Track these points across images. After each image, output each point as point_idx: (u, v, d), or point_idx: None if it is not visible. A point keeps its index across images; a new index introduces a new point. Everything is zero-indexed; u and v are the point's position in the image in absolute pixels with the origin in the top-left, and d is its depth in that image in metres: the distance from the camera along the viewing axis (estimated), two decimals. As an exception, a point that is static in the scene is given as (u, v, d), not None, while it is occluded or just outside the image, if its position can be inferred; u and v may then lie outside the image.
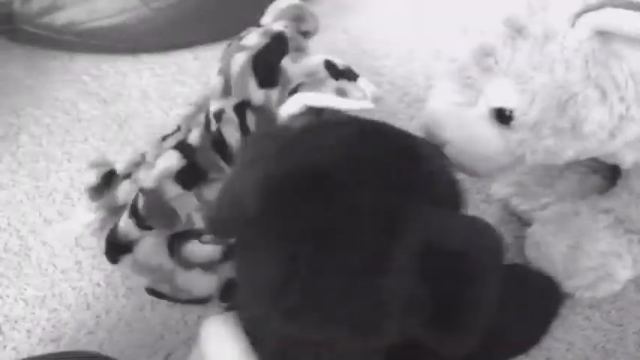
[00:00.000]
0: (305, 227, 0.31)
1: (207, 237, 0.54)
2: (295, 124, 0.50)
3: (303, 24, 0.55)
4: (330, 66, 0.48)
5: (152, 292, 0.54)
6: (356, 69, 0.72)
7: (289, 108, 0.48)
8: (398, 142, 0.35)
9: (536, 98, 0.42)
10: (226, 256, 0.53)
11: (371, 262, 0.30)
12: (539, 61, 0.42)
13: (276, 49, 0.49)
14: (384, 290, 0.30)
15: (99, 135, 0.70)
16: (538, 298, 0.50)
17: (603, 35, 0.41)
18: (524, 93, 0.43)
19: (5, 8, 0.74)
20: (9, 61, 0.78)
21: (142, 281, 0.54)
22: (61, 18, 0.73)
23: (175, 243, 0.53)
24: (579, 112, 0.42)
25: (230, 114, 0.50)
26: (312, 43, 0.56)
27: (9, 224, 0.62)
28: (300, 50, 0.50)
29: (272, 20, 0.55)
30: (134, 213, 0.53)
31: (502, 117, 0.44)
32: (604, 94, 0.42)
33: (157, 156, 0.55)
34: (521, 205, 0.56)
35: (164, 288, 0.53)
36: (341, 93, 0.47)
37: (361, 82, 0.48)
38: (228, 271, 0.52)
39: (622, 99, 0.42)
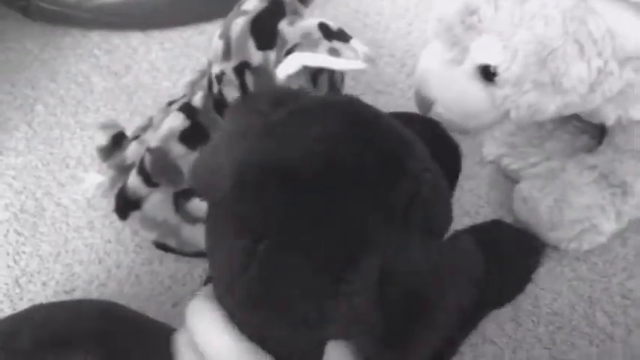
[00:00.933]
0: (267, 223, 0.29)
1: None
2: (293, 86, 0.52)
3: None
4: (324, 28, 0.51)
5: (159, 245, 0.57)
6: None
7: (286, 68, 0.51)
8: (386, 148, 0.31)
9: (517, 54, 0.44)
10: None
11: (326, 277, 0.28)
12: (520, 18, 0.44)
13: (273, 12, 0.52)
14: (332, 306, 0.29)
15: (110, 105, 0.73)
16: (518, 251, 0.52)
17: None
18: (506, 49, 0.45)
19: (21, -14, 0.77)
20: (25, 36, 0.81)
21: (150, 236, 0.57)
22: (74, -7, 0.76)
23: (180, 199, 0.56)
24: (559, 67, 0.44)
25: (230, 75, 0.53)
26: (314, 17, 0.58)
27: (25, 187, 0.66)
28: (297, 14, 0.53)
29: None
30: (142, 171, 0.56)
31: (487, 73, 0.46)
32: (582, 49, 0.44)
33: (163, 119, 0.58)
34: (512, 164, 0.59)
35: (171, 242, 0.56)
36: (334, 53, 0.50)
37: (353, 42, 0.51)
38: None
39: (600, 54, 0.44)
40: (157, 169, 0.55)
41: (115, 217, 0.59)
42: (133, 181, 0.56)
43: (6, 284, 0.58)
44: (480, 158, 0.63)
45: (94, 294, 0.58)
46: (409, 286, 0.29)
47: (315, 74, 0.54)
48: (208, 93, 0.56)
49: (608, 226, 0.53)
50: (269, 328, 0.31)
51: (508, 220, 0.59)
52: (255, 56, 0.52)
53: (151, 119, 0.63)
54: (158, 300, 0.57)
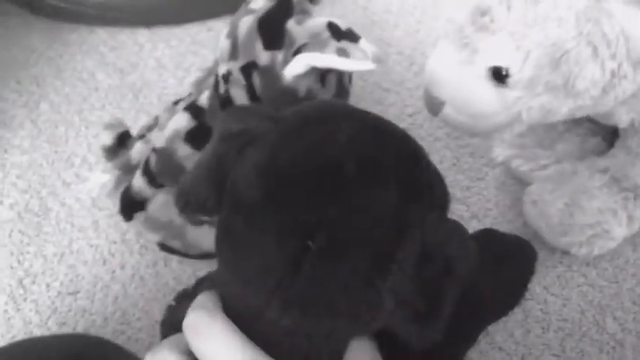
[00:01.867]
0: (315, 220, 0.30)
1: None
2: (301, 86, 0.52)
3: None
4: (332, 27, 0.50)
5: (164, 247, 0.57)
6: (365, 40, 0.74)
7: (293, 68, 0.50)
8: (402, 141, 0.33)
9: (530, 55, 0.44)
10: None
11: (377, 263, 0.30)
12: (533, 19, 0.43)
13: (281, 11, 0.51)
14: (383, 289, 0.30)
15: (115, 103, 0.73)
16: (513, 260, 0.52)
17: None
18: (518, 51, 0.44)
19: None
20: (31, 33, 0.81)
21: (155, 238, 0.57)
22: (80, -10, 0.76)
23: (186, 200, 0.56)
24: (572, 69, 0.43)
25: (237, 75, 0.52)
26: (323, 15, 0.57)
27: (29, 186, 0.65)
28: (305, 13, 0.52)
29: None
30: (147, 172, 0.55)
31: (498, 75, 0.45)
32: (595, 51, 0.43)
33: (169, 118, 0.58)
34: (522, 166, 0.58)
35: (175, 243, 0.56)
36: (343, 53, 0.49)
37: (362, 43, 0.50)
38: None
39: (613, 56, 0.43)
40: (163, 170, 0.55)
41: (119, 217, 0.58)
42: (138, 181, 0.55)
43: (10, 285, 0.58)
44: (488, 160, 0.62)
45: (98, 295, 0.57)
46: (443, 259, 0.31)
47: (323, 74, 0.53)
48: (215, 93, 0.55)
49: (620, 230, 0.52)
50: (311, 327, 0.32)
51: (517, 223, 0.58)
52: (263, 56, 0.51)
53: (156, 118, 0.62)
54: (162, 302, 0.56)
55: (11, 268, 0.59)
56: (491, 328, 0.51)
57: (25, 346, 0.45)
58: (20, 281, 0.58)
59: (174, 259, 0.58)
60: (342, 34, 0.50)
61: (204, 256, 0.56)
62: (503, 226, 0.58)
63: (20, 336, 0.55)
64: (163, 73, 0.75)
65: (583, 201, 0.51)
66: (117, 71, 0.76)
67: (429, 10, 0.77)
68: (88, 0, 0.76)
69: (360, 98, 0.69)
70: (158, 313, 0.56)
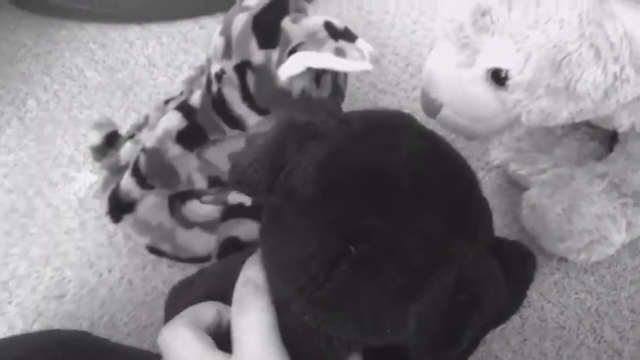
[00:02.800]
0: (362, 227, 0.30)
1: (207, 197, 0.55)
2: (295, 87, 0.50)
3: None
4: (329, 27, 0.49)
5: (153, 250, 0.55)
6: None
7: (288, 68, 0.48)
8: (460, 170, 0.34)
9: (531, 57, 0.42)
10: (225, 215, 0.54)
11: (412, 285, 0.30)
12: (535, 20, 0.42)
13: (276, 9, 0.50)
14: (410, 312, 0.30)
15: (105, 101, 0.71)
16: (513, 267, 0.51)
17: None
18: (519, 52, 0.43)
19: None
20: (19, 29, 0.79)
21: (144, 240, 0.55)
22: (70, -14, 0.74)
23: (176, 202, 0.54)
24: (573, 72, 0.42)
25: (231, 74, 0.51)
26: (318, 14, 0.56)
27: (16, 186, 0.64)
28: (301, 11, 0.51)
29: None
30: (136, 172, 0.54)
31: (498, 77, 0.44)
32: (598, 54, 0.42)
33: (160, 118, 0.56)
34: (520, 170, 0.57)
35: (164, 246, 0.54)
36: (340, 53, 0.47)
37: (360, 42, 0.49)
38: (226, 230, 0.53)
39: (616, 59, 0.42)
40: (152, 171, 0.53)
41: (107, 219, 0.56)
42: (127, 182, 0.54)
43: (-7, 287, 0.56)
44: (485, 163, 0.61)
45: (85, 299, 0.56)
46: (473, 297, 0.31)
47: (318, 75, 0.52)
48: (207, 92, 0.54)
49: (619, 237, 0.51)
50: (332, 330, 0.32)
51: (514, 228, 0.57)
52: (257, 55, 0.49)
53: (146, 117, 0.61)
54: (151, 306, 0.55)
55: (-5, 270, 0.58)
56: (488, 336, 0.50)
57: (21, 340, 0.44)
58: (5, 284, 0.57)
59: (164, 263, 0.57)
60: (339, 34, 0.49)
61: (194, 259, 0.55)
62: (500, 231, 0.57)
63: (4, 340, 0.54)
64: (154, 71, 0.74)
65: (582, 207, 0.50)
66: (107, 69, 0.74)
67: (426, 11, 0.76)
68: (78, -5, 0.75)
69: (355, 99, 0.68)
70: (146, 318, 0.54)
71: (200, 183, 0.54)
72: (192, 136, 0.53)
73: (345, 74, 0.57)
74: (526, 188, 0.55)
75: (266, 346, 0.31)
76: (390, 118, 0.35)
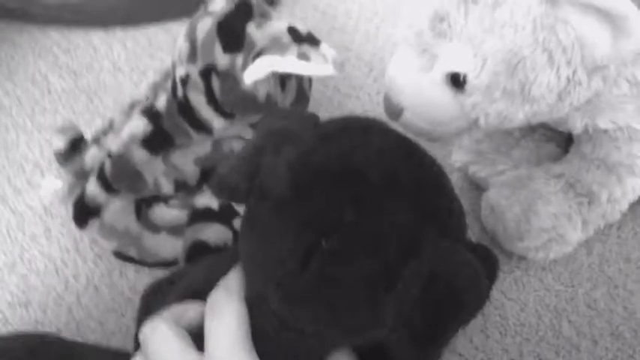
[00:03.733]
0: (334, 221, 0.31)
1: (174, 201, 0.56)
2: (260, 91, 0.51)
3: None
4: (293, 32, 0.50)
5: (119, 255, 0.55)
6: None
7: (253, 73, 0.49)
8: (429, 165, 0.35)
9: (487, 62, 0.44)
10: (192, 219, 0.54)
11: (384, 275, 0.31)
12: (490, 25, 0.43)
13: (241, 14, 0.50)
14: (385, 303, 0.31)
15: (69, 107, 0.71)
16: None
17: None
18: (476, 57, 0.44)
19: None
20: (-21, 34, 0.78)
21: (110, 246, 0.55)
22: (32, -9, 0.74)
23: (142, 207, 0.55)
24: (528, 75, 0.44)
25: (196, 79, 0.51)
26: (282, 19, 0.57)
27: (-22, 193, 0.63)
28: (265, 16, 0.52)
29: None
30: (101, 177, 0.54)
31: (456, 81, 0.46)
32: (551, 58, 0.43)
33: (125, 122, 0.56)
34: (479, 172, 0.58)
35: (131, 251, 0.55)
36: (303, 57, 0.48)
37: (323, 47, 0.50)
38: (193, 234, 0.53)
39: (568, 62, 0.43)
40: (118, 176, 0.53)
41: (73, 225, 0.56)
42: (92, 187, 0.54)
43: (-44, 296, 0.56)
44: (446, 165, 0.63)
45: (51, 305, 0.55)
46: (450, 289, 0.32)
47: (283, 79, 0.53)
48: (172, 96, 0.54)
49: (575, 235, 0.53)
50: (307, 325, 0.33)
51: (475, 228, 0.58)
52: (222, 59, 0.50)
53: (111, 122, 0.60)
54: (118, 312, 0.55)
55: (-42, 278, 0.57)
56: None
57: None
58: (-32, 292, 0.56)
59: (131, 268, 0.57)
60: (302, 39, 0.50)
61: (161, 263, 0.55)
62: (462, 231, 0.58)
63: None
64: (119, 75, 0.74)
65: (539, 206, 0.52)
66: (71, 73, 0.74)
67: (389, 16, 0.77)
68: (42, 0, 0.74)
69: (319, 103, 0.68)
70: (113, 324, 0.54)
71: (166, 187, 0.55)
72: (157, 141, 0.54)
73: (310, 79, 0.58)
74: (486, 190, 0.56)
75: (236, 351, 0.32)
76: (359, 120, 0.37)
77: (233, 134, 0.54)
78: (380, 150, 0.34)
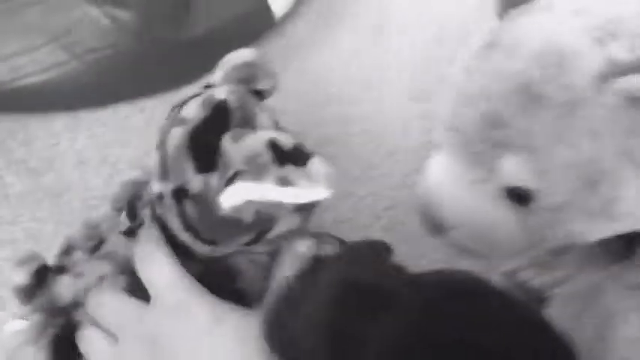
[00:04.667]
0: None
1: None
2: (245, 212, 0.41)
3: (257, 83, 0.47)
4: (274, 147, 0.39)
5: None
6: (320, 118, 0.65)
7: (228, 200, 0.39)
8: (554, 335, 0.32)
9: (559, 177, 0.35)
10: None
11: None
12: (561, 134, 0.35)
13: (215, 124, 0.41)
14: None
15: (29, 214, 0.60)
16: None
17: (636, 101, 0.34)
18: (544, 171, 0.35)
19: None
20: None
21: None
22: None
23: None
24: (611, 191, 0.35)
25: (169, 200, 0.42)
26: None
27: None
28: (248, 121, 0.42)
29: (221, 79, 0.46)
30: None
31: (519, 197, 0.37)
32: (639, 167, 0.35)
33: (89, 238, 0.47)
34: (532, 280, 0.49)
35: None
36: (284, 183, 0.38)
37: (312, 164, 0.39)
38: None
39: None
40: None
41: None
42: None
43: None
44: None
45: None
46: None
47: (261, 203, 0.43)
48: (152, 217, 0.45)
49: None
50: None
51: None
52: (194, 182, 0.40)
53: (68, 242, 0.50)
54: None
55: None
56: None
57: None
58: None
59: None
60: (285, 156, 0.39)
61: None
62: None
63: None
64: (86, 170, 0.63)
65: (615, 328, 0.43)
66: (30, 172, 0.63)
67: (395, 83, 0.68)
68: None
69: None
70: None
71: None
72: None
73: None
74: (541, 303, 0.47)
75: (174, 283, 0.38)
76: (463, 282, 0.34)
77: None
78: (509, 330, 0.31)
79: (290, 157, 0.39)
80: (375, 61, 0.70)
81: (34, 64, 0.63)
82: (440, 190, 0.40)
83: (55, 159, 0.64)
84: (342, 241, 0.42)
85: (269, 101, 0.47)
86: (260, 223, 0.42)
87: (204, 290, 0.39)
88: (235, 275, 0.44)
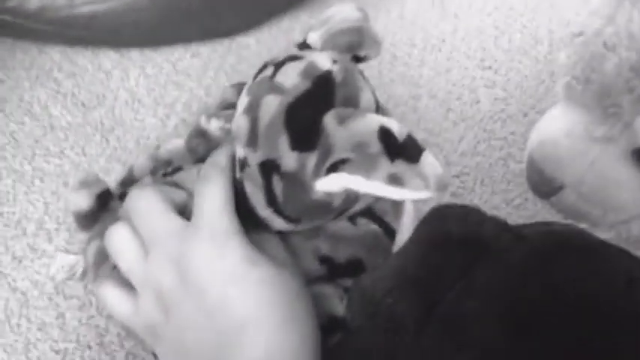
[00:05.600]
0: None
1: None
2: (336, 198, 0.38)
3: (361, 50, 0.42)
4: (385, 137, 0.35)
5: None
6: (389, 80, 0.62)
7: (327, 185, 0.36)
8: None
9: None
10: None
11: None
12: None
13: (317, 99, 0.36)
14: None
15: (78, 148, 0.57)
16: None
17: None
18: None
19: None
20: (-40, 50, 0.63)
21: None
22: (33, 2, 0.59)
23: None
24: None
25: (254, 170, 0.38)
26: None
27: (-34, 263, 0.49)
28: (351, 101, 0.38)
29: (322, 43, 0.42)
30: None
31: (650, 159, 0.35)
32: None
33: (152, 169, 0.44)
34: None
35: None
36: (395, 181, 0.34)
37: (425, 162, 0.35)
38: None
39: None
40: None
41: (95, 310, 0.43)
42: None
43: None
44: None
45: None
46: None
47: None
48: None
49: None
50: None
51: None
52: (288, 158, 0.36)
53: (131, 170, 0.47)
54: None
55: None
56: None
57: None
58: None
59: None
60: (397, 149, 0.36)
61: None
62: None
63: None
64: (139, 109, 0.60)
65: None
66: (77, 105, 0.60)
67: (458, 44, 0.66)
68: (44, 14, 0.60)
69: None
70: None
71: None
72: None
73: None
74: None
75: (222, 213, 0.36)
76: (571, 236, 0.30)
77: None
78: (630, 280, 0.26)
79: (401, 153, 0.36)
80: (440, 26, 0.67)
81: (96, -10, 0.59)
82: (557, 146, 0.37)
83: (105, 95, 0.61)
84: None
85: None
86: (346, 204, 0.39)
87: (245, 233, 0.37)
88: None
